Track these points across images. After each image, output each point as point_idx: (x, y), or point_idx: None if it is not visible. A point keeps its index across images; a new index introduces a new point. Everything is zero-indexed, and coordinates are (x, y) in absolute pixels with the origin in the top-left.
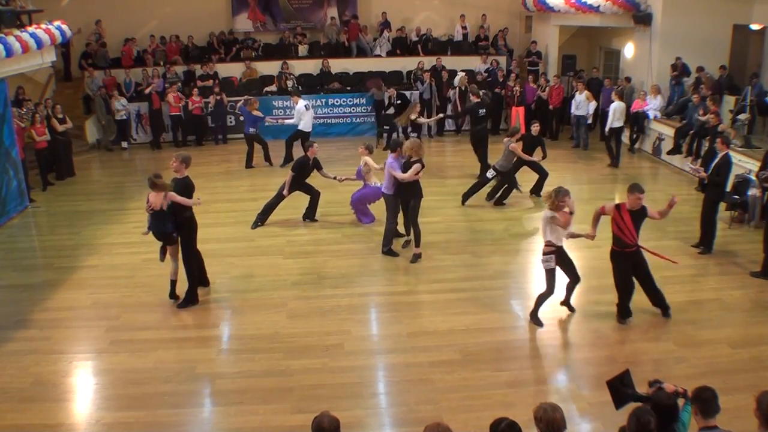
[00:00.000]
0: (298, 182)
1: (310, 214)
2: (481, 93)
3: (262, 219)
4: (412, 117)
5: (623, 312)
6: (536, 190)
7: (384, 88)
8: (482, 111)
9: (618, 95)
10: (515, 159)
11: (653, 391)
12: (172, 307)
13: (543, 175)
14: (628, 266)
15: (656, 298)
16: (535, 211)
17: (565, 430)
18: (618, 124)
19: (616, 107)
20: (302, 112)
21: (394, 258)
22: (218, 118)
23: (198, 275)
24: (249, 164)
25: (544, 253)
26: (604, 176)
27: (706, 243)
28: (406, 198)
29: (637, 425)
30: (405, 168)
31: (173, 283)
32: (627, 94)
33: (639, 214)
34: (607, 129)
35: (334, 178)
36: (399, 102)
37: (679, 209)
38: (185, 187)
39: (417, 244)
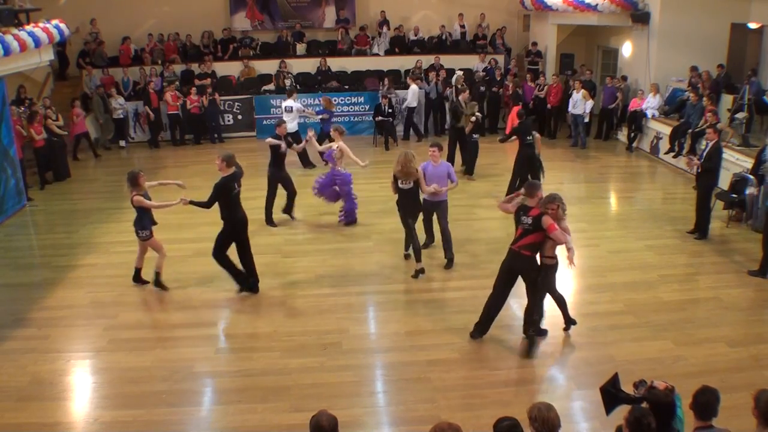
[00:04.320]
0: (277, 162)
1: (288, 209)
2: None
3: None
4: (473, 119)
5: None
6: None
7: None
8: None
9: (412, 79)
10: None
11: (644, 391)
12: (170, 305)
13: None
14: None
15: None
16: None
17: (559, 429)
18: (413, 104)
19: (413, 90)
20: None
21: (393, 256)
22: (212, 118)
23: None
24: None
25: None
26: (602, 174)
27: (701, 229)
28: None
29: (639, 427)
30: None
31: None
32: (624, 93)
33: None
34: (404, 106)
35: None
36: (390, 111)
37: (677, 208)
38: (221, 191)
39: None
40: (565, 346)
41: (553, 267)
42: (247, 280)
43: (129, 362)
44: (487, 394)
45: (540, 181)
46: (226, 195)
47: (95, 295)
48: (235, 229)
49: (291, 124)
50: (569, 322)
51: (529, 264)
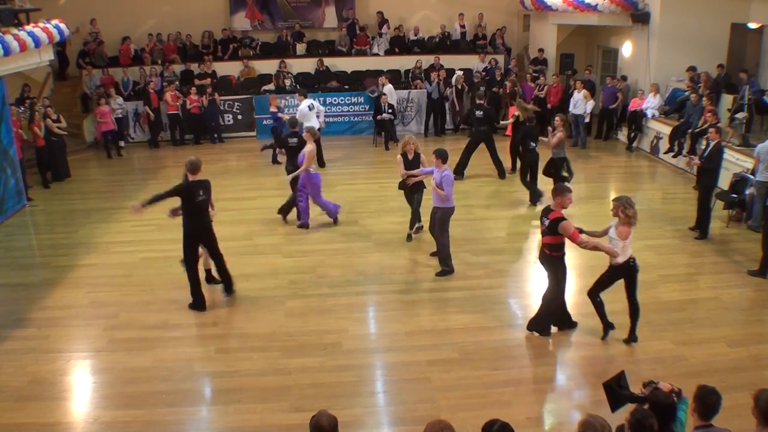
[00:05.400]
0: (293, 160)
1: (284, 211)
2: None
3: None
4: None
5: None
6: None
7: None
8: (478, 113)
9: (388, 78)
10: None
11: (649, 391)
12: (169, 305)
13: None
14: None
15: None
16: (531, 209)
17: None
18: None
19: (389, 89)
20: (305, 113)
21: (392, 256)
22: (212, 118)
23: (222, 275)
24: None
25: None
26: (602, 174)
27: (702, 229)
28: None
29: (641, 429)
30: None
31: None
32: (624, 93)
33: None
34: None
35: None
36: (390, 111)
37: (677, 208)
38: (180, 192)
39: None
40: (565, 346)
41: (624, 269)
42: (203, 300)
43: (129, 362)
44: (486, 394)
45: (533, 183)
46: (188, 200)
47: (95, 295)
48: (188, 238)
49: (314, 122)
50: (608, 327)
51: (547, 261)
